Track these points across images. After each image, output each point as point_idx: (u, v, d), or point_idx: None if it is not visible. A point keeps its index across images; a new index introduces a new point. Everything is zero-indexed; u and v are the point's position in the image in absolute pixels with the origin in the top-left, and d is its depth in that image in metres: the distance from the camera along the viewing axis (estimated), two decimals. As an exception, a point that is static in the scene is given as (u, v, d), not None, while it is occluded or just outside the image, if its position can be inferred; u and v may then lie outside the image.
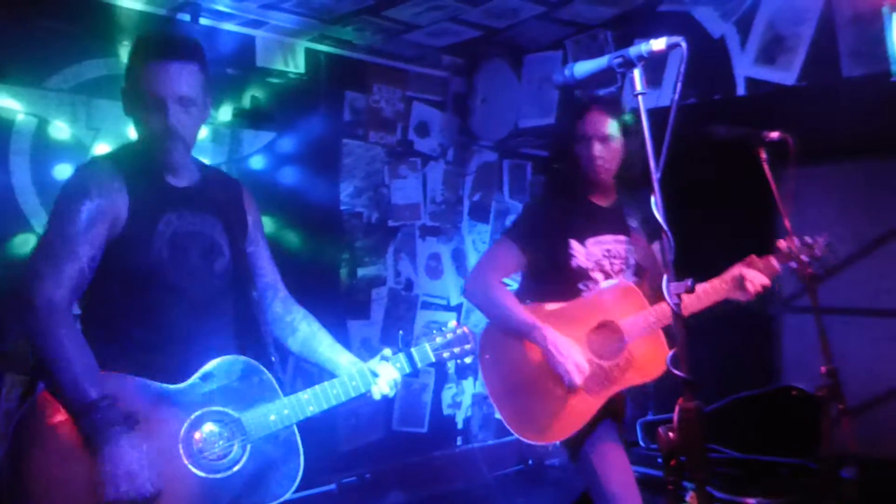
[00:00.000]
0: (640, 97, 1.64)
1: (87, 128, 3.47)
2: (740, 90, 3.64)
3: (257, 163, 4.07)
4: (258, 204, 2.31)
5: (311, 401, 2.04)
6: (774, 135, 2.52)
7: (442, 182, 5.01)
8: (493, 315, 2.65)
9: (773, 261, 2.61)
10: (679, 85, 1.56)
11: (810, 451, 4.26)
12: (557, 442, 2.60)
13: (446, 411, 5.04)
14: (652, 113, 1.67)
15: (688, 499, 1.78)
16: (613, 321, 2.56)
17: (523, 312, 2.56)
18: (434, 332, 2.23)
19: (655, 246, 2.74)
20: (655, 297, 2.54)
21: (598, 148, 2.58)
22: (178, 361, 1.96)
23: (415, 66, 4.81)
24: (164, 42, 2.05)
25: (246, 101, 4.01)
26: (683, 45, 1.56)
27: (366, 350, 4.53)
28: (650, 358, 2.52)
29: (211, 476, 1.91)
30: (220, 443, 1.94)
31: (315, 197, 4.31)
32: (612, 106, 2.66)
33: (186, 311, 2.00)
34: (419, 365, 2.17)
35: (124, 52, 3.53)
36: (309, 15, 3.97)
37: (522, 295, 2.76)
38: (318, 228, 4.32)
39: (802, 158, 2.54)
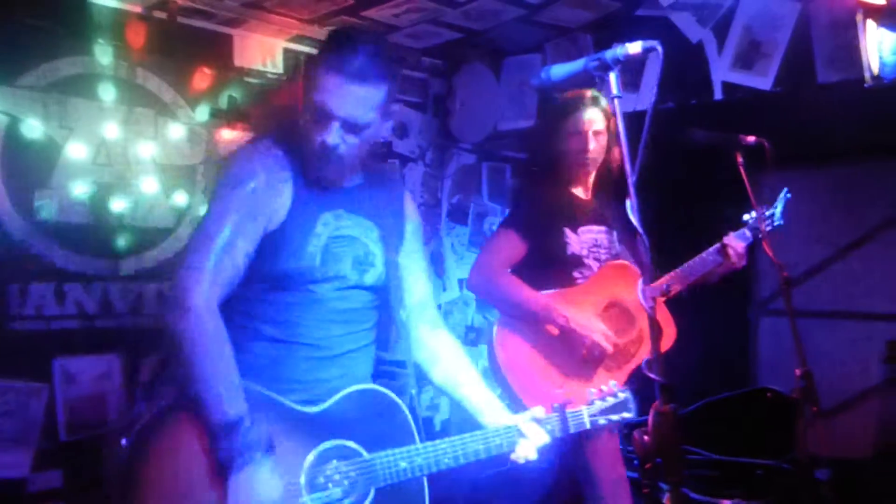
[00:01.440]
0: (615, 100, 1.65)
1: (60, 127, 3.42)
2: (717, 95, 3.67)
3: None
4: None
5: (447, 452, 1.84)
6: (751, 139, 2.56)
7: (421, 184, 5.00)
8: (505, 303, 2.65)
9: (746, 231, 2.79)
10: (656, 88, 1.57)
11: (785, 452, 4.30)
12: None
13: (424, 414, 5.02)
14: (630, 117, 1.69)
15: (664, 500, 1.78)
16: (619, 300, 2.65)
17: (537, 296, 2.58)
18: (592, 392, 2.02)
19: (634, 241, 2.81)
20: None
21: (590, 142, 2.67)
22: (309, 381, 1.82)
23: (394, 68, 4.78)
24: (353, 59, 1.79)
25: (223, 101, 3.97)
26: (659, 48, 1.57)
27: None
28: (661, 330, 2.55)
29: None
30: (345, 482, 1.75)
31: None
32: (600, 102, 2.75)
33: (327, 325, 1.84)
34: (571, 430, 1.96)
35: (99, 49, 3.51)
36: (287, 14, 3.95)
37: None
38: (296, 230, 4.29)
39: (778, 163, 2.57)
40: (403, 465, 1.79)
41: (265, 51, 4.16)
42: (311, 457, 1.74)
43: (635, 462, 4.52)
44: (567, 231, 2.69)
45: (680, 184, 3.19)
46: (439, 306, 5.06)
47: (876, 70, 3.15)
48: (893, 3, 2.83)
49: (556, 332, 2.59)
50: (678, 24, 3.80)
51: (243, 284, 1.80)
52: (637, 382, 2.78)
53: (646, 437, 1.50)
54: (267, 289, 1.81)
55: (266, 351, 1.81)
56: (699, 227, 3.00)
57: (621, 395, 2.00)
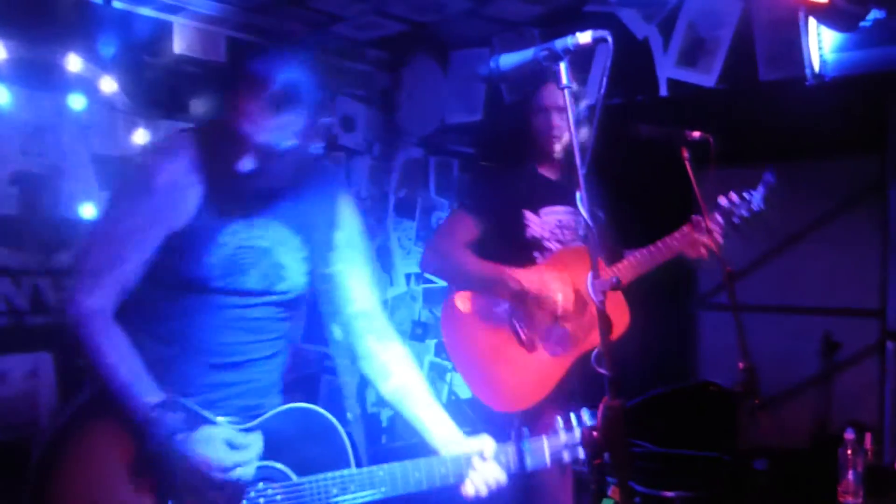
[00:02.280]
0: (565, 91, 1.63)
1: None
2: (663, 91, 3.70)
3: (174, 154, 3.91)
4: None
5: (384, 481, 1.71)
6: (696, 134, 2.58)
7: (367, 177, 4.94)
8: (457, 275, 2.63)
9: (717, 216, 2.73)
10: (605, 78, 1.56)
11: (725, 444, 4.38)
12: (523, 409, 2.55)
13: (370, 409, 4.98)
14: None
15: (609, 493, 1.78)
16: (573, 283, 2.57)
17: (488, 265, 2.55)
18: (559, 421, 1.83)
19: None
20: (608, 262, 2.66)
21: (555, 118, 2.66)
22: (214, 395, 1.71)
23: (340, 60, 4.72)
24: (270, 86, 1.66)
25: (162, 90, 3.85)
26: (609, 39, 1.56)
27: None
28: (613, 316, 2.50)
29: None
30: None
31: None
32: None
33: (229, 332, 1.74)
34: (528, 466, 1.78)
35: (30, 35, 3.36)
36: (230, 2, 3.85)
37: None
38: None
39: (721, 160, 2.60)
40: (335, 490, 1.67)
41: (206, 39, 4.05)
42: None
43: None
44: (527, 213, 2.67)
45: (625, 179, 3.21)
46: (385, 301, 5.02)
47: (817, 68, 3.21)
48: (835, 1, 2.88)
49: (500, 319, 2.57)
50: (625, 20, 3.83)
51: (144, 287, 1.72)
52: (587, 376, 2.76)
53: (594, 433, 1.48)
54: (166, 293, 1.73)
55: (159, 355, 1.70)
56: (644, 222, 3.00)
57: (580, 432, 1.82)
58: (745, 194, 2.77)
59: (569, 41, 1.61)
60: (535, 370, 2.55)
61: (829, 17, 3.00)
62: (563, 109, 2.61)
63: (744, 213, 2.74)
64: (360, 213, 2.02)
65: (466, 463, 1.74)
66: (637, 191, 4.25)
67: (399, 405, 1.91)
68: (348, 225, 1.92)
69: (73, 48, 3.53)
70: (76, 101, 3.54)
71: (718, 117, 3.80)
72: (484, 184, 2.79)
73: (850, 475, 3.07)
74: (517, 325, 2.58)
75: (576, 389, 2.76)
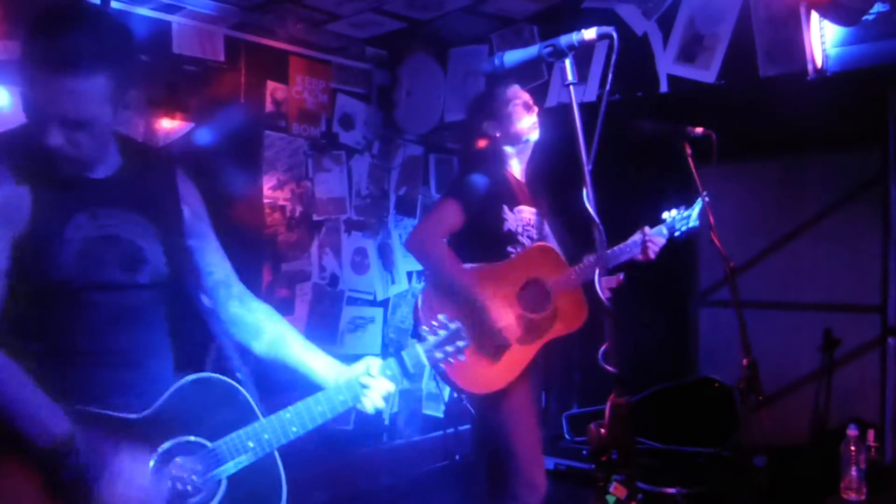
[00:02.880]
0: (570, 87, 1.62)
1: (-13, 114, 3.26)
2: (663, 87, 3.70)
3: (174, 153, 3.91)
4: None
5: (293, 420, 1.75)
6: (699, 130, 2.58)
7: (368, 176, 4.93)
8: (435, 272, 2.80)
9: (663, 228, 2.96)
10: (611, 75, 1.55)
11: (724, 440, 4.39)
12: (488, 391, 2.73)
13: (372, 408, 4.97)
14: (579, 108, 1.66)
15: (611, 489, 1.78)
16: (540, 278, 2.81)
17: (463, 272, 2.73)
18: (424, 330, 1.96)
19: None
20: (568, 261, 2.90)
21: (523, 111, 2.84)
22: (106, 390, 1.67)
23: (338, 58, 4.72)
24: (57, 46, 1.53)
25: (161, 90, 3.84)
26: (615, 35, 1.55)
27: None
28: (574, 311, 2.84)
29: None
30: (193, 478, 1.66)
31: (236, 190, 4.18)
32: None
33: (108, 328, 1.69)
34: (411, 371, 1.89)
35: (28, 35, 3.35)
36: (228, 1, 3.84)
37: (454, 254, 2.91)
38: (239, 222, 4.20)
39: (720, 156, 2.60)
40: (251, 444, 1.71)
41: (205, 38, 4.04)
42: (152, 462, 1.63)
43: (584, 452, 4.59)
44: (505, 209, 2.82)
45: (624, 175, 3.22)
46: (387, 299, 5.03)
47: (819, 62, 3.20)
48: (837, -5, 2.88)
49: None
50: (624, 16, 3.82)
51: (10, 302, 1.62)
52: (580, 375, 2.85)
53: (602, 430, 1.48)
54: (33, 303, 1.64)
55: (46, 368, 1.59)
56: (642, 219, 3.01)
57: (452, 326, 1.95)
58: (683, 209, 2.97)
59: (573, 37, 1.61)
60: (507, 358, 2.71)
61: (832, 11, 2.99)
62: (528, 105, 2.86)
63: (682, 228, 2.96)
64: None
65: (358, 384, 1.82)
66: (637, 187, 4.27)
67: (278, 356, 1.92)
68: (192, 199, 1.89)
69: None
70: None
71: (718, 113, 3.81)
72: (473, 177, 2.87)
73: (854, 471, 3.07)
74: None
75: (541, 369, 2.98)
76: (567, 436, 4.74)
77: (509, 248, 2.84)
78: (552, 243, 3.00)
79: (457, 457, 5.10)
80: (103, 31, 1.58)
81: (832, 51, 3.22)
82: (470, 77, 4.58)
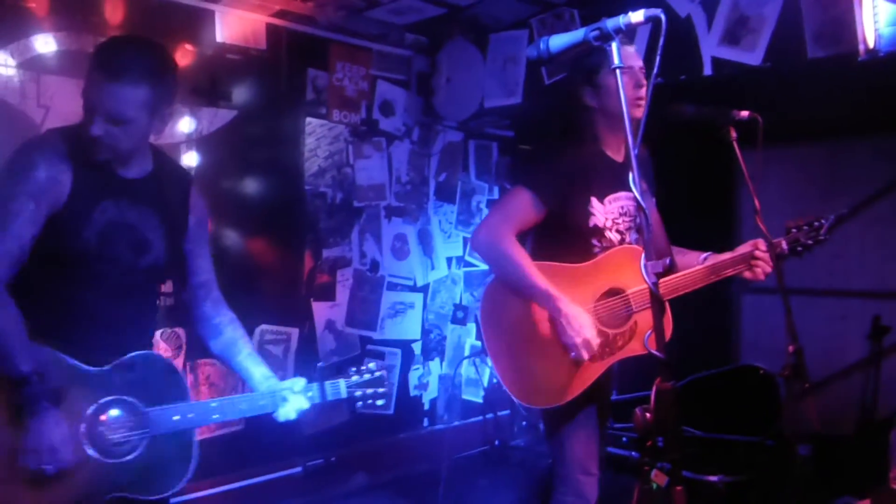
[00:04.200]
0: (617, 71, 1.60)
1: (38, 105, 3.34)
2: (707, 70, 3.63)
3: (218, 141, 3.96)
4: (210, 197, 2.38)
5: (217, 409, 2.13)
6: (744, 114, 2.49)
7: (407, 162, 4.95)
8: (505, 273, 2.46)
9: (783, 242, 2.63)
10: (658, 58, 1.53)
11: (767, 428, 4.34)
12: (546, 406, 2.53)
13: (413, 393, 5.02)
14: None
15: (652, 476, 1.78)
16: (622, 288, 2.50)
17: (539, 277, 2.41)
18: (352, 370, 2.33)
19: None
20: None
21: (631, 84, 2.46)
22: (92, 345, 2.04)
23: (378, 45, 4.73)
24: (112, 59, 2.01)
25: (205, 78, 3.89)
26: (663, 17, 1.53)
27: (329, 332, 4.48)
28: (664, 307, 2.45)
29: (103, 459, 1.99)
30: (122, 430, 2.01)
31: (278, 177, 4.23)
32: None
33: (106, 299, 2.07)
34: (329, 398, 2.29)
35: (76, 26, 3.42)
36: (270, -11, 3.87)
37: (530, 250, 2.61)
38: (281, 209, 4.25)
39: (766, 140, 2.54)
40: (176, 417, 2.05)
41: (247, 27, 4.08)
42: (93, 406, 2.00)
43: (624, 439, 4.58)
44: (594, 201, 2.50)
45: (669, 160, 3.16)
46: (427, 285, 5.05)
47: (871, 43, 3.10)
48: (891, -26, 2.78)
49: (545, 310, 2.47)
50: (666, -3, 3.76)
51: (33, 262, 1.99)
52: (619, 361, 2.69)
53: (648, 415, 1.48)
54: (53, 268, 2.02)
55: (52, 322, 2.01)
56: (685, 204, 2.96)
57: (377, 373, 2.32)
58: (815, 222, 2.66)
59: (620, 20, 1.59)
60: (569, 372, 2.45)
61: (887, -12, 2.90)
62: (643, 72, 2.51)
63: (809, 241, 2.64)
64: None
65: (280, 396, 2.21)
66: (681, 172, 4.21)
67: (227, 357, 2.32)
68: (198, 210, 2.28)
69: (118, 38, 3.58)
70: (122, 90, 3.59)
71: (763, 96, 3.74)
72: (552, 164, 2.54)
73: (903, 461, 3.01)
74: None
75: (608, 386, 2.74)
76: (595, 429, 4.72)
77: (594, 241, 2.55)
78: (645, 227, 2.69)
79: (496, 442, 5.12)
80: (150, 55, 2.05)
81: (886, 30, 3.11)
82: (510, 63, 4.56)
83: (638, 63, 2.53)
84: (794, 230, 2.66)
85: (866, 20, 3.10)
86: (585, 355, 2.38)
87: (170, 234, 2.17)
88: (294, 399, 2.22)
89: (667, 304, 2.49)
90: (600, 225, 2.52)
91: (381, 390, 2.32)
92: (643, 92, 2.47)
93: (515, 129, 5.47)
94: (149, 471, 2.04)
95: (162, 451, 2.06)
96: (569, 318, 2.37)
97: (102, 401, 2.00)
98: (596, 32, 1.60)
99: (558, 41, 1.68)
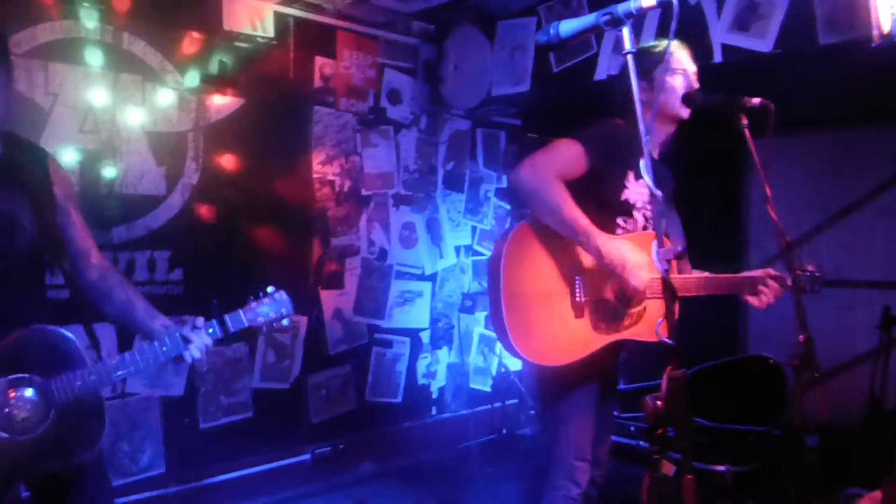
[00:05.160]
0: (629, 56, 1.59)
1: (45, 93, 3.34)
2: (717, 57, 3.60)
3: (225, 129, 3.96)
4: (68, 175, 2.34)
5: (118, 365, 2.11)
6: (756, 101, 2.45)
7: (415, 150, 4.94)
8: (547, 206, 2.42)
9: (788, 280, 2.62)
10: (669, 44, 1.52)
11: (775, 419, 4.33)
12: (545, 364, 2.47)
13: (421, 381, 5.03)
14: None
15: (661, 466, 1.78)
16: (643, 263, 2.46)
17: (581, 215, 2.38)
18: (250, 298, 2.28)
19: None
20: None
21: (691, 83, 2.52)
22: None
23: (386, 32, 4.71)
24: None
25: (213, 66, 3.89)
26: (675, 1, 1.51)
27: (337, 320, 4.49)
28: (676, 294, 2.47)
29: (14, 438, 2.00)
30: (27, 406, 2.02)
31: (285, 165, 4.23)
32: None
33: None
34: (231, 330, 2.24)
35: (83, 14, 3.42)
36: (277, -23, 3.86)
37: None
38: (288, 197, 4.25)
39: (778, 127, 2.51)
40: (78, 383, 2.05)
41: (254, 14, 4.07)
42: None
43: (631, 429, 4.58)
44: (631, 176, 2.50)
45: (678, 147, 3.13)
46: (435, 274, 5.05)
47: (886, 28, 3.05)
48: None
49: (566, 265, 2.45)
50: (675, -16, 3.72)
51: None
52: (626, 351, 2.67)
53: (659, 403, 1.47)
54: None
55: None
56: (694, 192, 2.93)
57: (277, 296, 2.27)
58: (817, 273, 2.67)
59: (631, 5, 1.57)
60: (571, 335, 2.44)
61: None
62: (692, 82, 2.55)
63: (806, 287, 2.64)
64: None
65: (180, 338, 2.17)
66: (690, 160, 4.19)
67: (123, 316, 2.28)
68: (62, 181, 2.25)
69: (125, 27, 3.57)
70: (130, 79, 3.59)
71: (774, 83, 3.70)
72: (609, 129, 2.54)
73: (915, 451, 2.99)
74: (578, 284, 2.45)
75: (613, 376, 2.75)
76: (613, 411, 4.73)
77: (619, 220, 2.56)
78: (657, 213, 2.60)
79: (503, 431, 5.13)
80: None
81: (902, 16, 3.07)
82: (517, 50, 4.53)
83: (693, 67, 2.55)
84: (798, 271, 2.63)
85: (881, 4, 3.04)
86: (633, 281, 2.36)
87: (39, 211, 2.15)
88: (196, 338, 2.19)
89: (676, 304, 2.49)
90: (631, 201, 2.53)
91: (283, 310, 2.28)
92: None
93: (523, 117, 5.45)
94: (65, 438, 2.06)
95: (72, 419, 2.07)
96: (609, 255, 2.35)
97: (1, 381, 2.01)
98: (607, 17, 1.59)
99: (568, 26, 1.67)
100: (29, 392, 2.03)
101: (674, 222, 2.68)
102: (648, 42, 2.57)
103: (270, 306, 2.27)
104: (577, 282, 2.45)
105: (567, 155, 2.45)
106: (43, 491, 2.15)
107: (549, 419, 2.64)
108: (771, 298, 2.59)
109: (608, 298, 2.47)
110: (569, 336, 2.45)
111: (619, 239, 2.43)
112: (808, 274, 2.66)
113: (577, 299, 2.44)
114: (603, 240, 2.36)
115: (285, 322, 2.31)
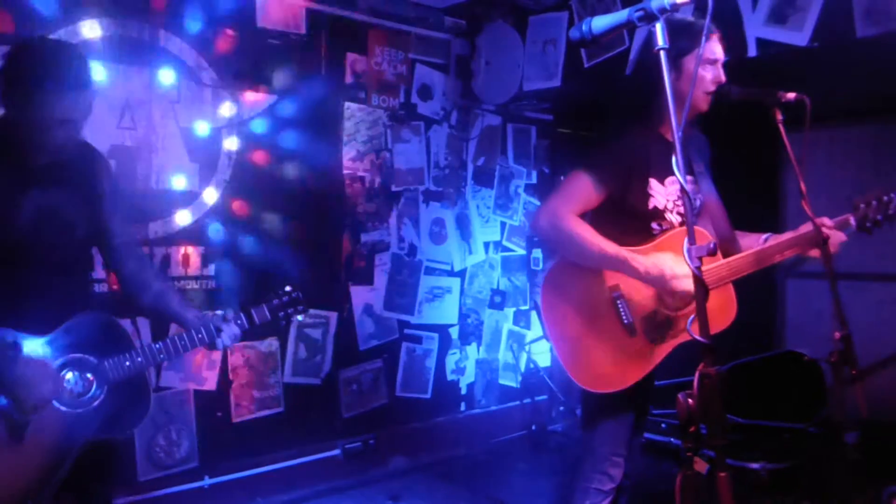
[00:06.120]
0: (661, 52, 1.57)
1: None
2: (752, 51, 3.54)
3: (258, 126, 4.00)
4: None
5: (161, 350, 2.36)
6: (791, 95, 2.41)
7: (445, 146, 4.94)
8: (572, 248, 2.44)
9: (851, 219, 2.56)
10: (704, 39, 1.50)
11: (812, 415, 4.27)
12: (610, 392, 2.46)
13: (450, 377, 5.04)
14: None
15: (693, 464, 1.77)
16: (685, 270, 2.40)
17: (607, 243, 2.39)
18: (272, 296, 2.59)
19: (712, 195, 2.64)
20: (721, 244, 2.50)
21: (709, 80, 2.44)
22: (41, 317, 2.23)
23: (417, 28, 4.71)
24: (47, 70, 2.14)
25: (246, 63, 3.93)
26: (709, -4, 1.49)
27: (367, 315, 4.51)
28: (717, 311, 2.45)
29: (72, 411, 2.24)
30: (83, 382, 2.26)
31: (317, 161, 4.25)
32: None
33: (49, 276, 2.27)
34: (256, 322, 2.54)
35: (121, 12, 3.47)
36: (309, -26, 3.88)
37: None
38: (319, 193, 4.28)
39: (814, 121, 2.47)
40: (128, 363, 2.30)
41: (287, 11, 4.10)
42: (55, 366, 2.23)
43: (663, 426, 4.55)
44: (653, 182, 2.46)
45: (714, 141, 3.09)
46: (465, 270, 5.06)
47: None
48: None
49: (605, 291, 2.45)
50: (710, -23, 3.67)
51: None
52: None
53: (690, 400, 1.46)
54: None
55: (9, 300, 2.21)
56: (731, 186, 2.89)
57: (294, 294, 2.60)
58: (884, 197, 2.55)
59: (665, 0, 1.55)
60: (632, 355, 2.44)
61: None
62: (719, 76, 2.47)
63: (879, 216, 2.55)
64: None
65: (213, 327, 2.44)
66: (727, 154, 4.15)
67: (159, 306, 2.51)
68: (109, 180, 2.45)
69: (161, 25, 3.62)
70: (166, 76, 3.64)
71: (810, 76, 3.64)
72: (611, 146, 2.53)
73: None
74: (620, 306, 2.44)
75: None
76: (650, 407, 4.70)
77: (653, 225, 2.51)
78: (705, 219, 2.63)
79: (532, 427, 5.12)
80: (85, 61, 2.22)
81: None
82: (549, 45, 4.51)
83: (722, 58, 2.48)
84: (862, 206, 2.57)
85: (917, -5, 2.99)
86: (680, 287, 2.35)
87: (90, 208, 2.37)
88: (227, 328, 2.45)
89: (731, 286, 2.50)
90: (660, 207, 2.49)
91: (299, 306, 2.62)
92: (713, 88, 2.44)
93: (554, 112, 5.42)
94: (116, 413, 2.31)
95: (122, 395, 2.31)
96: (648, 272, 2.34)
97: (59, 362, 2.24)
98: (640, 13, 1.57)
99: (601, 22, 1.65)
100: (84, 371, 2.27)
101: (711, 198, 2.61)
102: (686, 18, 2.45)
103: (289, 303, 2.60)
104: (619, 305, 2.44)
105: (579, 191, 2.45)
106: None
107: (588, 411, 2.63)
108: (842, 236, 2.49)
109: (655, 309, 2.45)
110: (630, 357, 2.44)
111: (654, 253, 2.41)
112: (873, 203, 2.55)
113: (626, 321, 2.43)
114: (639, 260, 2.36)
115: (300, 318, 2.71)
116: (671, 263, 2.37)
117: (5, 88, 2.15)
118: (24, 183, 2.24)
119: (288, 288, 2.61)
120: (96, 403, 2.27)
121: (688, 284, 2.33)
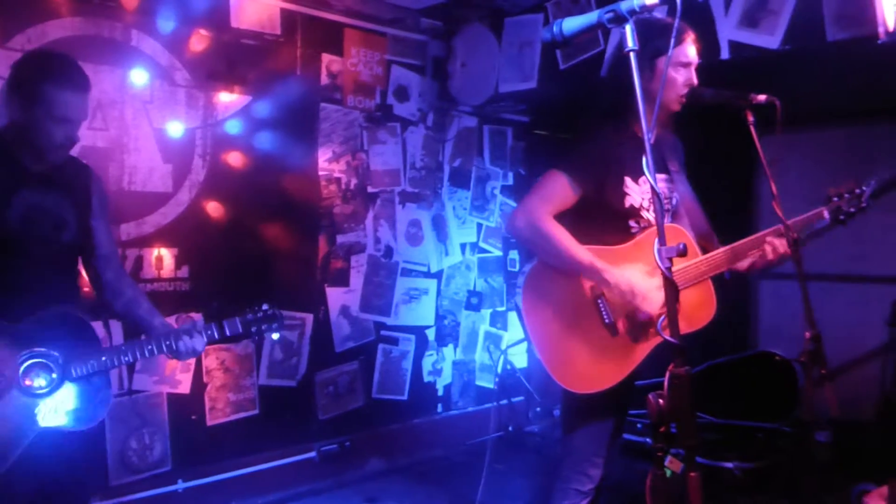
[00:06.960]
0: (631, 54, 1.58)
1: (55, 90, 3.36)
2: (724, 53, 3.58)
3: (233, 127, 3.97)
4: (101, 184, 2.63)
5: (126, 351, 2.42)
6: (762, 98, 2.45)
7: (422, 147, 4.94)
8: (547, 251, 2.46)
9: (825, 212, 2.59)
10: (673, 41, 1.51)
11: (785, 415, 4.31)
12: (593, 392, 2.46)
13: (427, 378, 5.03)
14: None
15: (666, 463, 1.77)
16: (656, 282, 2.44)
17: (582, 251, 2.41)
18: (247, 308, 2.62)
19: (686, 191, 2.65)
20: (699, 240, 2.54)
21: (681, 82, 2.45)
22: (23, 310, 2.32)
23: (393, 29, 4.71)
24: (51, 71, 2.35)
25: (220, 64, 3.90)
26: (679, -1, 1.50)
27: (343, 317, 4.50)
28: (697, 307, 2.49)
29: (29, 400, 2.30)
30: (48, 376, 2.32)
31: (292, 162, 4.23)
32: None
33: (35, 271, 2.38)
34: (227, 334, 2.56)
35: (92, 11, 3.43)
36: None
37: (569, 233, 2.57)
38: (295, 194, 4.26)
39: (785, 124, 2.50)
40: (92, 361, 2.36)
41: (262, 12, 4.07)
42: (20, 358, 2.29)
43: (638, 426, 4.57)
44: (628, 181, 2.48)
45: (688, 143, 3.12)
46: (441, 271, 5.05)
47: (891, 25, 3.04)
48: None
49: (584, 292, 2.45)
50: (683, -20, 3.70)
51: None
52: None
53: (661, 401, 1.46)
54: None
55: None
56: (704, 188, 2.91)
57: (270, 312, 2.62)
58: (857, 189, 2.60)
59: (635, 2, 1.55)
60: (613, 355, 2.45)
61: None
62: (696, 68, 2.48)
63: (851, 209, 2.58)
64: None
65: (181, 335, 2.48)
66: (700, 156, 4.18)
67: (130, 312, 2.63)
68: (98, 192, 2.60)
69: (134, 24, 3.59)
70: (138, 77, 3.60)
71: (782, 79, 3.68)
72: (586, 146, 2.53)
73: (923, 447, 2.97)
74: (602, 307, 2.44)
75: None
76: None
77: (631, 223, 2.53)
78: (682, 217, 2.67)
79: (510, 428, 5.13)
80: (81, 68, 2.43)
81: (905, 11, 3.06)
82: (525, 47, 4.52)
83: (696, 61, 2.50)
84: (835, 199, 2.61)
85: (886, 1, 3.04)
86: (646, 308, 2.37)
87: (79, 213, 2.50)
88: (187, 342, 2.49)
89: (710, 283, 2.52)
90: (636, 205, 2.51)
91: (274, 324, 2.64)
92: (685, 91, 2.47)
93: (530, 113, 5.44)
94: (72, 407, 2.36)
95: (84, 389, 2.38)
96: (618, 285, 2.37)
97: (25, 353, 2.30)
98: (610, 14, 1.58)
99: (572, 24, 1.66)
100: (48, 363, 2.32)
101: (687, 195, 2.63)
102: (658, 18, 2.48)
103: (263, 321, 2.62)
104: (600, 304, 2.45)
105: (554, 191, 2.46)
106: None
107: (569, 412, 2.64)
108: (780, 248, 2.54)
109: (636, 309, 2.44)
110: (613, 356, 2.45)
111: (627, 265, 2.42)
112: (846, 196, 2.58)
113: (607, 320, 2.44)
114: (609, 272, 2.38)
115: (275, 336, 2.71)
116: (640, 279, 2.39)
117: (10, 94, 2.33)
118: (18, 185, 2.37)
119: (265, 306, 2.64)
120: (55, 395, 2.32)
121: (652, 306, 2.37)
